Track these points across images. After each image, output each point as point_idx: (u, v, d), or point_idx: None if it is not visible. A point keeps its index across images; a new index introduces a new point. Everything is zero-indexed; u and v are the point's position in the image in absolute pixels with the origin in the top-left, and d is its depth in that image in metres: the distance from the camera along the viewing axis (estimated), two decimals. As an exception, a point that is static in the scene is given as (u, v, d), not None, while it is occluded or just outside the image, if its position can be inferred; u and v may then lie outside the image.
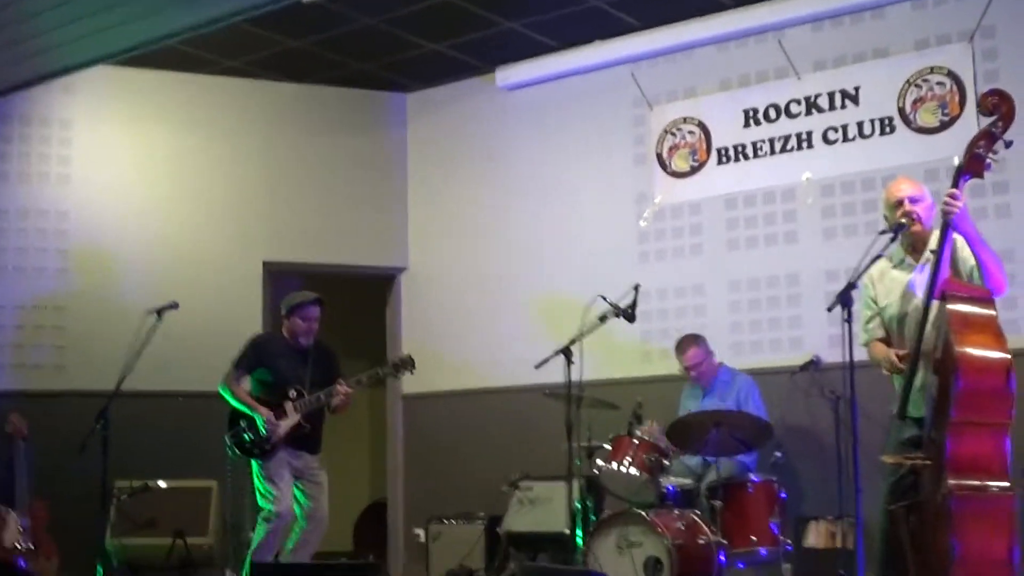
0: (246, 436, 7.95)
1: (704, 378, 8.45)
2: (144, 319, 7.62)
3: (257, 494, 8.03)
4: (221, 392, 8.14)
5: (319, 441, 8.18)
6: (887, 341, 6.00)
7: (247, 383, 8.23)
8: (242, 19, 8.01)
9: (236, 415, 8.07)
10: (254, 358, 8.19)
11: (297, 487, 8.03)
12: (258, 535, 7.89)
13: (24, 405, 8.98)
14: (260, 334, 8.45)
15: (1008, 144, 5.59)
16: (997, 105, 5.56)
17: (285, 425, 7.89)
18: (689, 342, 8.51)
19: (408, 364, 8.13)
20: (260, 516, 7.95)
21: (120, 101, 10.29)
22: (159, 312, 7.71)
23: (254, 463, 8.00)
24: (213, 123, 10.56)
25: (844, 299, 5.52)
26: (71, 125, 10.13)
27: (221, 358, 10.02)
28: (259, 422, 7.89)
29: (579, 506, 7.75)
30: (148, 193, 10.31)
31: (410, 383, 9.80)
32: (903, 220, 5.78)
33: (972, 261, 5.65)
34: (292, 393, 7.97)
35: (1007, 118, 5.55)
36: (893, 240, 5.78)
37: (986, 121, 5.63)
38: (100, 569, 7.43)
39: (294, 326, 8.15)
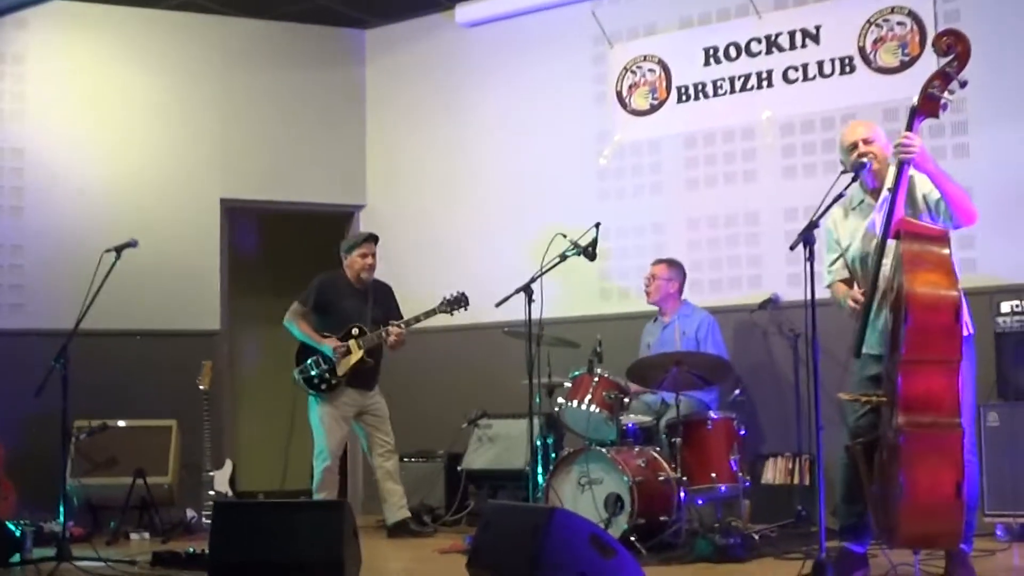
0: (314, 371, 8.37)
1: (654, 298, 8.48)
2: (102, 257, 7.57)
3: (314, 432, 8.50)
4: (287, 326, 8.54)
5: (373, 378, 8.64)
6: (849, 282, 6.04)
7: (312, 321, 8.60)
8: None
9: (304, 351, 8.49)
10: (318, 296, 8.58)
11: (358, 425, 8.60)
12: (315, 476, 8.41)
13: (-19, 344, 8.94)
14: (325, 274, 8.75)
15: (963, 84, 5.59)
16: (952, 45, 5.55)
17: (351, 360, 8.33)
18: (664, 260, 8.59)
19: (462, 302, 8.45)
20: (315, 456, 8.46)
21: (75, 36, 10.17)
22: (118, 250, 7.66)
23: (312, 401, 8.45)
24: (169, 59, 10.44)
25: (806, 238, 5.51)
26: (24, 60, 9.99)
27: (179, 296, 10.08)
28: (327, 352, 8.35)
29: (539, 443, 7.79)
30: (104, 130, 10.20)
31: (369, 321, 9.77)
32: (863, 160, 5.80)
33: (936, 195, 5.68)
34: (355, 330, 8.39)
35: (962, 58, 5.54)
36: (854, 180, 5.79)
37: (942, 61, 5.64)
38: (62, 508, 7.41)
39: (355, 264, 8.60)
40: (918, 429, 5.20)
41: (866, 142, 5.90)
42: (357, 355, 8.35)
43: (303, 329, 8.50)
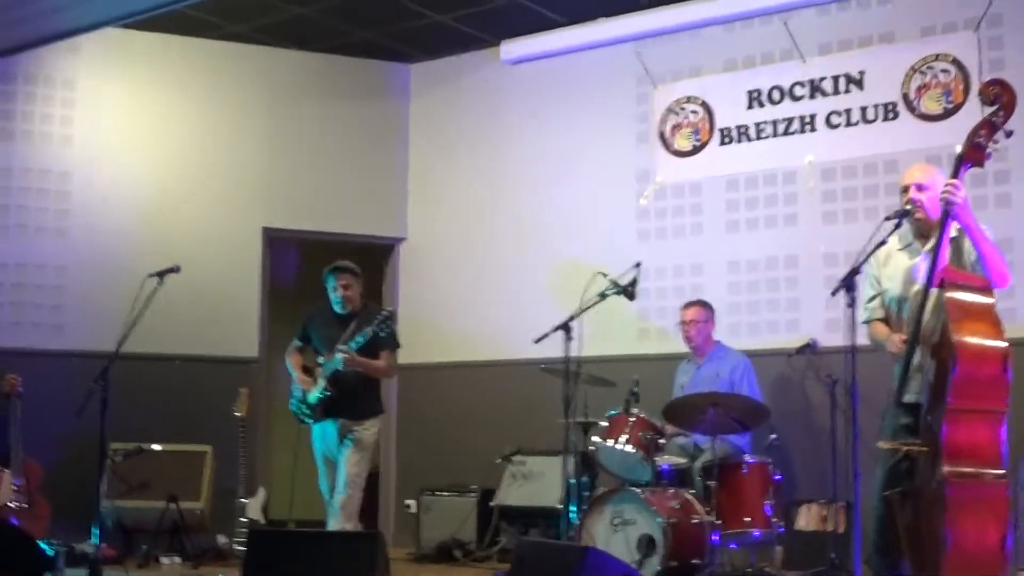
0: (293, 406, 8.17)
1: (697, 342, 8.51)
2: (144, 281, 7.62)
3: None
4: (286, 365, 8.41)
5: (354, 406, 8.01)
6: (886, 322, 6.04)
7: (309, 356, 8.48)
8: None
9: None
10: (303, 330, 8.40)
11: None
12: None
13: (22, 363, 8.99)
14: (313, 307, 8.48)
15: (1009, 134, 5.60)
16: (999, 95, 5.58)
17: (314, 391, 8.04)
18: (696, 302, 8.64)
19: (391, 319, 7.96)
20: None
21: (125, 63, 10.28)
22: (161, 275, 7.70)
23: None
24: (217, 88, 10.54)
25: (848, 284, 5.52)
26: (75, 86, 10.11)
27: (219, 323, 10.14)
28: (296, 385, 8.20)
29: (573, 482, 7.78)
30: (150, 156, 10.29)
31: (406, 354, 9.49)
32: (907, 207, 5.80)
33: (976, 253, 5.67)
34: (320, 360, 8.14)
35: (1008, 108, 5.55)
36: (897, 227, 5.79)
37: (987, 110, 5.64)
38: (95, 529, 7.44)
39: (331, 297, 8.32)
40: (964, 479, 5.18)
41: (919, 188, 5.89)
42: (320, 384, 8.00)
43: (290, 364, 8.34)
